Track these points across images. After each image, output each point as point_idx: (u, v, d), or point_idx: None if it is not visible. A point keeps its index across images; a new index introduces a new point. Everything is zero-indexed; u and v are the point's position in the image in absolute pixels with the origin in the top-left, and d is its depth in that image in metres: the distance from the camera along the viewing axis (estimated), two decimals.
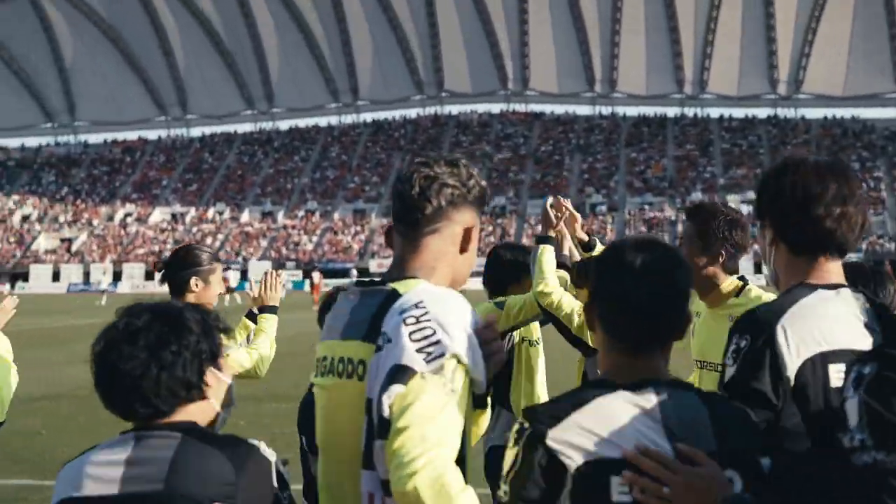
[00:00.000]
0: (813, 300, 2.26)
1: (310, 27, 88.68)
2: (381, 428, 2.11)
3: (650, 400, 2.00)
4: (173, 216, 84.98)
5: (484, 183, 2.47)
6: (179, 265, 4.30)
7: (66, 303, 51.63)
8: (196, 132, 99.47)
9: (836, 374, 2.15)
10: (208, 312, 2.31)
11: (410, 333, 2.13)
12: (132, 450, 2.12)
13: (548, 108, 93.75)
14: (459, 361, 2.14)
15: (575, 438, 1.97)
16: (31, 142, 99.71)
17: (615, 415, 1.99)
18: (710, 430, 2.00)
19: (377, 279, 2.39)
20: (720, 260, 3.71)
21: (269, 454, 2.18)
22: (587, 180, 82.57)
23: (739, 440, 2.02)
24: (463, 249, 2.43)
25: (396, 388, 2.09)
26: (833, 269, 2.34)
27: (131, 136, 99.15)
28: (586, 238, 4.82)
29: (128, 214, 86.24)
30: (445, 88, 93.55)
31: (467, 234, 2.42)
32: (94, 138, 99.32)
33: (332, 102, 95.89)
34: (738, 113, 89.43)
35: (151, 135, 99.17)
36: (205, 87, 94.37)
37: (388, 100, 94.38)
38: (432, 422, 2.05)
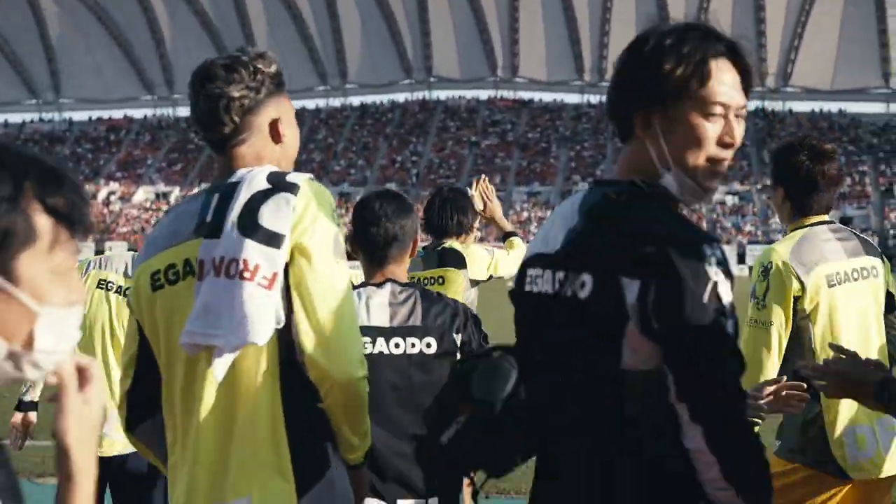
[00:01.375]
0: None
1: (298, 7, 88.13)
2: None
3: None
4: (157, 195, 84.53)
5: (274, 67, 2.54)
6: None
7: None
8: (182, 112, 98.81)
9: None
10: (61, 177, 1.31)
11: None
12: None
13: (536, 96, 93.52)
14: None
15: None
16: (15, 118, 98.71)
17: None
18: None
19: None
20: None
21: None
22: (574, 168, 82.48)
23: None
24: (277, 141, 2.47)
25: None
26: None
27: (117, 114, 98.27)
28: (509, 227, 5.03)
29: (111, 193, 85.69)
30: (434, 74, 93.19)
31: (274, 126, 2.46)
32: (80, 116, 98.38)
33: (320, 85, 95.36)
34: None
35: (137, 114, 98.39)
36: (192, 67, 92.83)
37: (376, 84, 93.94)
38: None
